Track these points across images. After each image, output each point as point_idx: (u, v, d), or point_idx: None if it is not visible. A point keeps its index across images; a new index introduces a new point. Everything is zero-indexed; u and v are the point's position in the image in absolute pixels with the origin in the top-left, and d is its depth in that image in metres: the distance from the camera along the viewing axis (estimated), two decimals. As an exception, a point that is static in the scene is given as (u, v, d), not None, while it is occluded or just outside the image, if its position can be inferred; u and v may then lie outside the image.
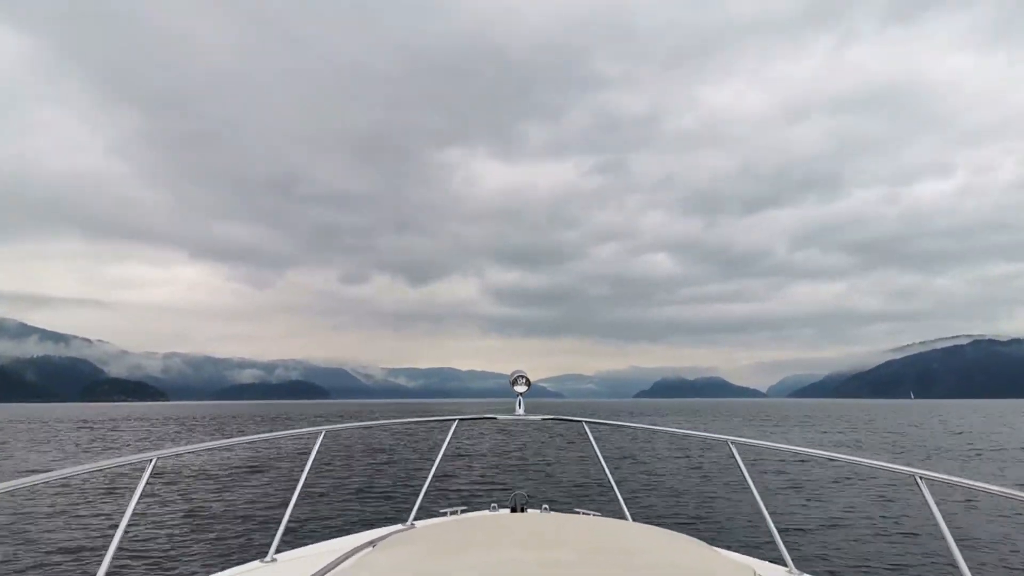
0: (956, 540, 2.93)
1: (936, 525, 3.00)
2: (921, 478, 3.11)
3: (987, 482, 3.03)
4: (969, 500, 14.00)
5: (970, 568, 2.83)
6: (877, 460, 3.66)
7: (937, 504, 3.05)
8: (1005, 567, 9.58)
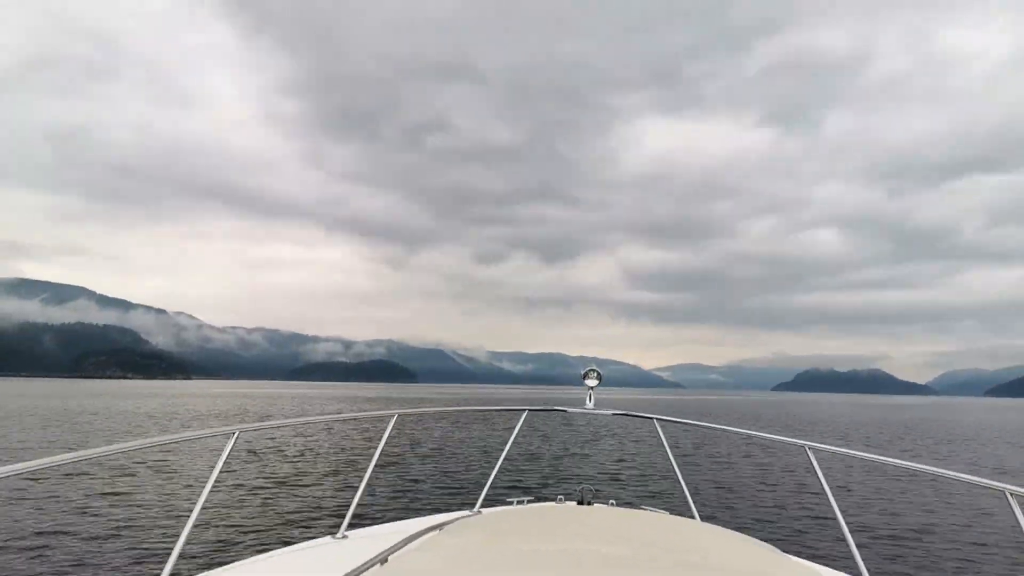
0: None
1: None
2: (1012, 495, 3.00)
3: None
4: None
5: None
6: (963, 473, 3.52)
7: None
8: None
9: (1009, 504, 3.06)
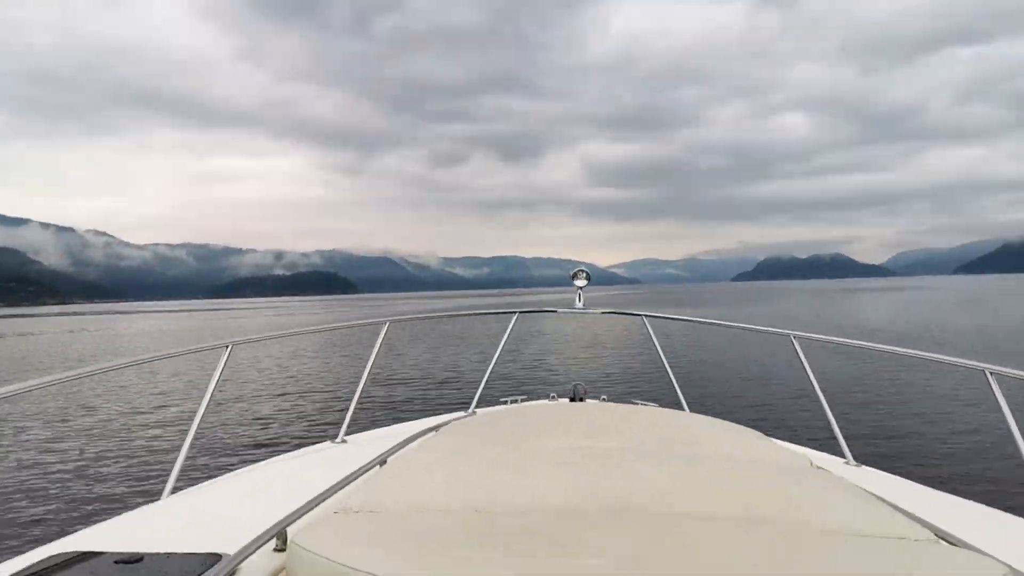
0: None
1: (1004, 421, 3.03)
2: (991, 373, 3.05)
3: None
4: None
5: None
6: (945, 355, 3.56)
7: (1007, 400, 2.96)
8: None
9: (989, 383, 3.15)
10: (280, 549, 1.76)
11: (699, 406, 4.85)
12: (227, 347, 3.52)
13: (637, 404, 4.14)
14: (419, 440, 2.91)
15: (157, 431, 12.53)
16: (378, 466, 2.49)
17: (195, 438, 3.23)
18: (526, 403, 4.65)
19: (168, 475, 2.99)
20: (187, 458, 3.13)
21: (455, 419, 3.61)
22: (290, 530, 1.76)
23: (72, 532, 2.12)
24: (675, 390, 5.03)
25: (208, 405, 3.33)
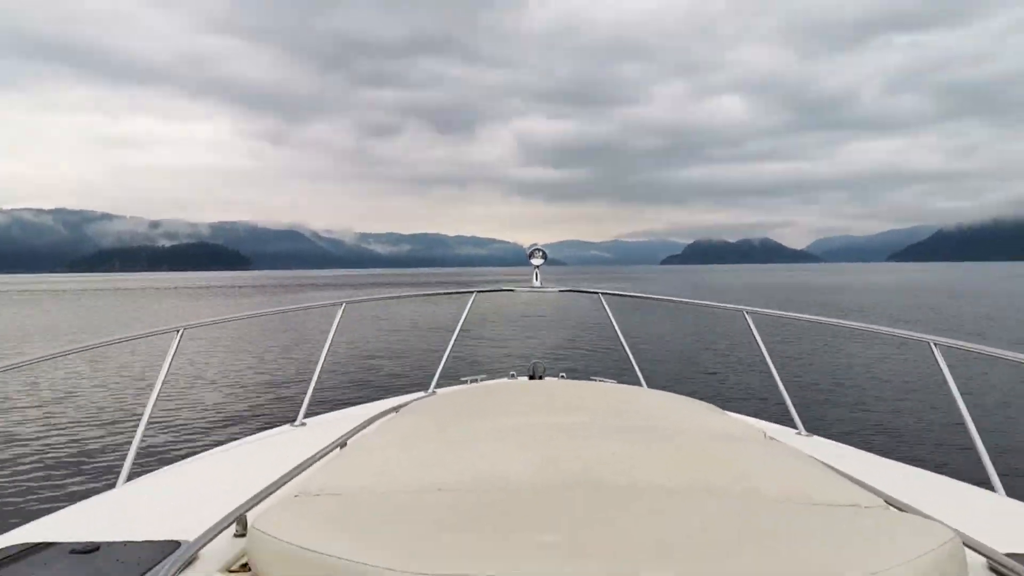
0: (968, 406, 3.09)
1: (948, 391, 3.16)
2: (936, 344, 3.15)
3: (1003, 348, 3.03)
4: (984, 366, 14.11)
5: (980, 433, 2.99)
6: (892, 327, 3.66)
7: (951, 370, 3.08)
8: (1018, 432, 9.80)
9: (933, 354, 3.26)
10: (240, 534, 1.74)
11: (656, 381, 4.96)
12: (178, 331, 3.51)
13: (595, 381, 4.31)
14: (379, 421, 2.92)
15: (109, 419, 12.20)
16: (338, 448, 2.47)
17: (149, 424, 3.21)
18: (486, 382, 4.70)
19: (122, 463, 2.96)
20: (141, 445, 3.10)
21: (415, 399, 3.62)
22: (250, 515, 1.76)
23: (25, 523, 2.05)
24: (632, 366, 5.16)
25: (161, 391, 3.32)
